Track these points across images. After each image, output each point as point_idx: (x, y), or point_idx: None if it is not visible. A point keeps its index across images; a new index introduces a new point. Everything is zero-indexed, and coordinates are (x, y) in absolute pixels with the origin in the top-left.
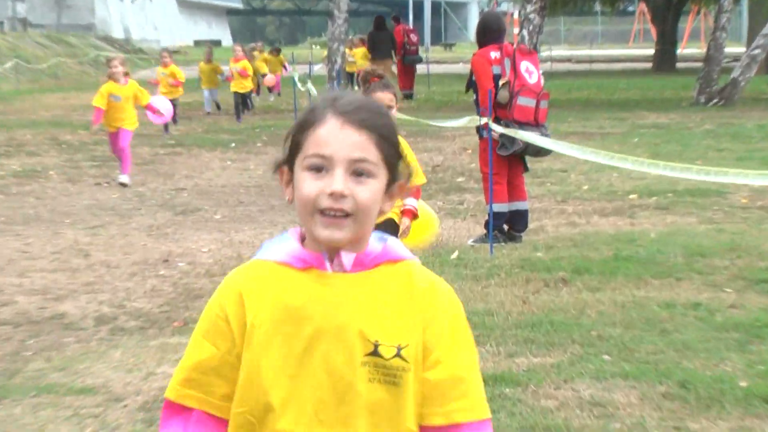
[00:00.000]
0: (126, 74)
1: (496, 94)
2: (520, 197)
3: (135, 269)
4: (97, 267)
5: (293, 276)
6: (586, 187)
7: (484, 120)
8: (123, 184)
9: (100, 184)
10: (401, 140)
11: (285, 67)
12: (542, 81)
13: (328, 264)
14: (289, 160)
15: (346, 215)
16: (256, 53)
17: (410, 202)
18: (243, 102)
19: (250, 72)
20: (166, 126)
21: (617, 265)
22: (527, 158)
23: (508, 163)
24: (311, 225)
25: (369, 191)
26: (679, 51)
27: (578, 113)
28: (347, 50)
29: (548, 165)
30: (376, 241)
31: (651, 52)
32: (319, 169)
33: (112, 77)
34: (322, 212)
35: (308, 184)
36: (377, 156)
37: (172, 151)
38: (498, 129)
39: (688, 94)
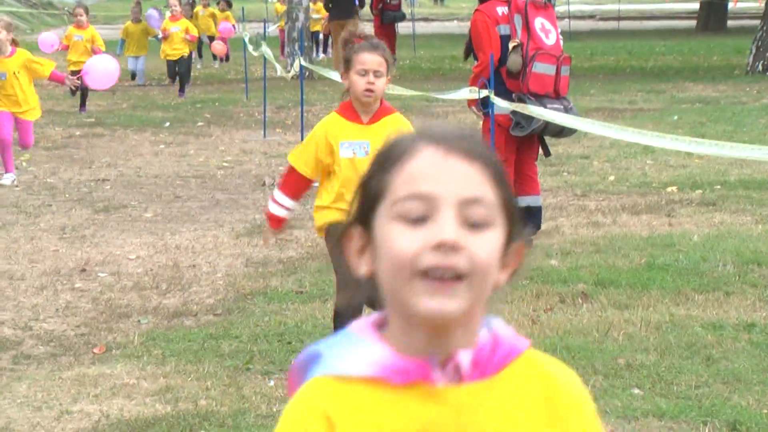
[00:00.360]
0: (14, 42)
1: (502, 59)
2: (531, 190)
3: (44, 281)
4: None
5: (393, 397)
6: (612, 178)
7: (484, 92)
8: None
9: None
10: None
11: (233, 26)
12: (561, 41)
13: (438, 373)
14: (364, 216)
15: (458, 277)
16: (199, 9)
17: None
18: (185, 69)
19: (195, 33)
20: (83, 100)
21: (651, 276)
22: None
23: (517, 146)
24: (408, 297)
25: (489, 245)
26: (731, 5)
27: (604, 84)
28: (311, 4)
29: (565, 150)
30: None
31: (695, 6)
32: (417, 219)
33: None
34: (426, 274)
35: (403, 239)
36: (495, 198)
37: (90, 132)
38: (503, 104)
39: (742, 60)
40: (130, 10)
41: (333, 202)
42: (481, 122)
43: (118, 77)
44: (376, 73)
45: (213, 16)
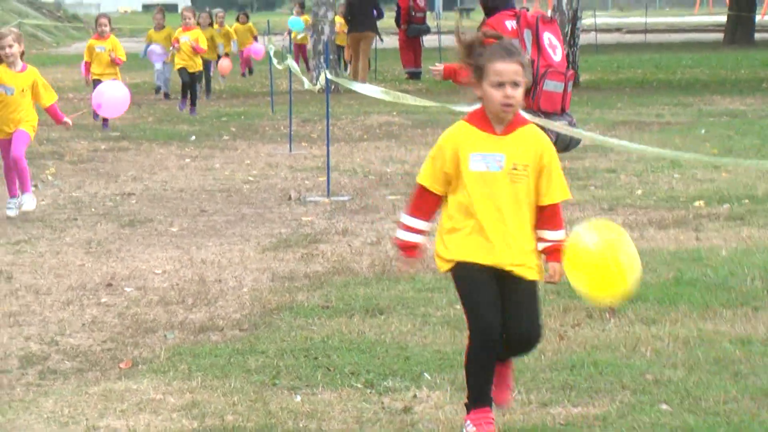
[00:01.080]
0: (22, 54)
1: None
2: None
3: (70, 296)
4: (22, 293)
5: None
6: (639, 192)
7: None
8: (27, 211)
9: None
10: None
11: (255, 38)
12: (566, 56)
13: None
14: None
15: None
16: (216, 27)
17: (552, 236)
18: (195, 84)
19: (204, 45)
20: (104, 119)
21: (679, 291)
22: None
23: None
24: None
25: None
26: (759, 18)
27: (630, 97)
28: (337, 18)
29: (592, 164)
30: None
31: (723, 19)
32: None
33: (2, 60)
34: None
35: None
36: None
37: (116, 146)
38: (528, 117)
39: None
40: (153, 17)
41: (459, 224)
42: None
43: (129, 102)
44: (514, 84)
45: (227, 34)
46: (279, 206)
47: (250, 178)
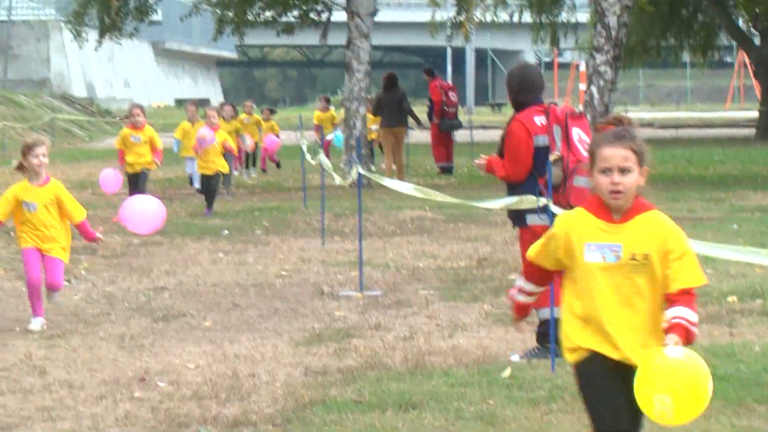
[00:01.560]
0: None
1: (538, 170)
2: None
3: (104, 390)
4: (55, 387)
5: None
6: None
7: (543, 200)
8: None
9: None
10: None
11: (277, 136)
12: None
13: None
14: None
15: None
16: (243, 116)
17: (679, 312)
18: (216, 186)
19: (234, 146)
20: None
21: (712, 387)
22: None
23: None
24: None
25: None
26: None
27: (662, 192)
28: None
29: None
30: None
31: (755, 114)
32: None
33: (25, 169)
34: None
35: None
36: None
37: (149, 241)
38: (559, 211)
39: None
40: (186, 108)
41: (579, 312)
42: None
43: (163, 219)
44: (623, 170)
45: (258, 123)
46: (312, 301)
47: (283, 273)
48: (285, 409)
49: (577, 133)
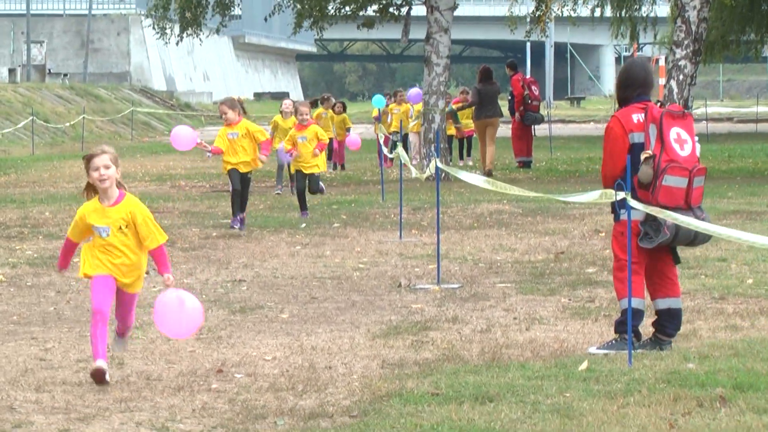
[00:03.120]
0: (119, 185)
1: (632, 167)
2: (671, 292)
3: (181, 382)
4: (133, 379)
5: None
6: (750, 281)
7: (621, 194)
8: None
9: None
10: None
11: (348, 130)
12: (698, 151)
13: None
14: None
15: None
16: (321, 110)
17: None
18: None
19: (326, 138)
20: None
21: None
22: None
23: (654, 249)
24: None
25: None
26: None
27: (741, 187)
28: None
29: (702, 253)
30: None
31: None
32: None
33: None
34: None
35: None
36: None
37: (227, 234)
38: (639, 207)
39: None
40: (282, 103)
41: None
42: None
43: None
44: None
45: (332, 119)
46: (389, 293)
47: (361, 266)
48: (362, 402)
49: (677, 132)
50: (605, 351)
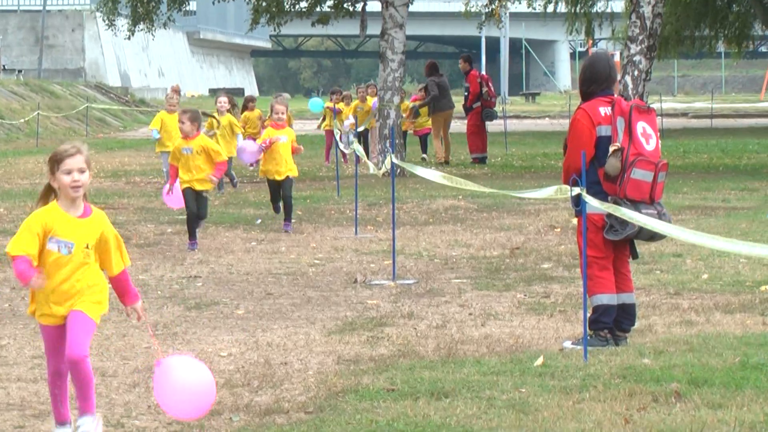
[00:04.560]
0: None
1: (599, 160)
2: (625, 287)
3: (137, 378)
4: None
5: None
6: (705, 276)
7: (576, 190)
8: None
9: None
10: None
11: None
12: (660, 146)
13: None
14: None
15: None
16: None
17: None
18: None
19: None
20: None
21: (745, 376)
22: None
23: (613, 244)
24: None
25: None
26: None
27: (696, 182)
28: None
29: (657, 248)
30: None
31: None
32: None
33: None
34: None
35: None
36: None
37: (182, 230)
38: (595, 203)
39: None
40: (216, 99)
41: None
42: (574, 220)
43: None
44: None
45: (260, 118)
46: (344, 289)
47: (316, 261)
48: (317, 397)
49: (642, 127)
50: (578, 347)
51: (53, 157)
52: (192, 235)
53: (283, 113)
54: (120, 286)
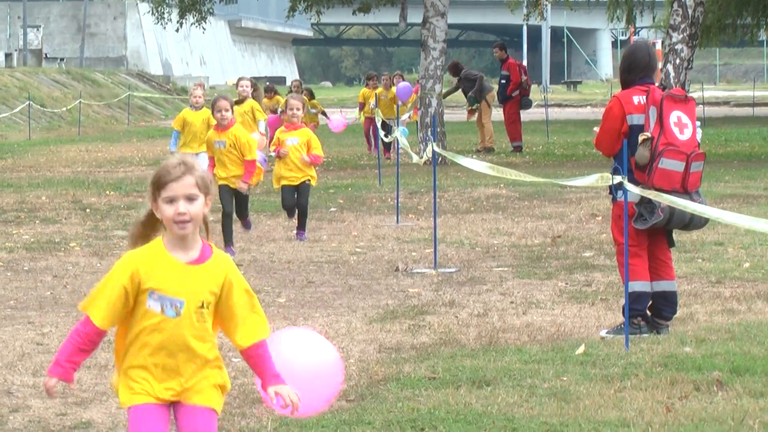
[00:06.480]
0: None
1: (629, 149)
2: (666, 275)
3: None
4: None
5: None
6: (747, 265)
7: (617, 178)
8: None
9: None
10: None
11: (324, 113)
12: (699, 136)
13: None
14: None
15: None
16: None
17: None
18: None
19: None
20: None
21: None
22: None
23: (648, 232)
24: None
25: None
26: None
27: (738, 170)
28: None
29: (699, 236)
30: None
31: None
32: None
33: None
34: None
35: None
36: None
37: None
38: (636, 190)
39: None
40: (238, 82)
41: None
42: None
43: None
44: None
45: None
46: (386, 278)
47: (357, 250)
48: (359, 386)
49: (677, 116)
50: (614, 335)
51: (154, 179)
52: (226, 242)
53: (298, 109)
54: (254, 363)
